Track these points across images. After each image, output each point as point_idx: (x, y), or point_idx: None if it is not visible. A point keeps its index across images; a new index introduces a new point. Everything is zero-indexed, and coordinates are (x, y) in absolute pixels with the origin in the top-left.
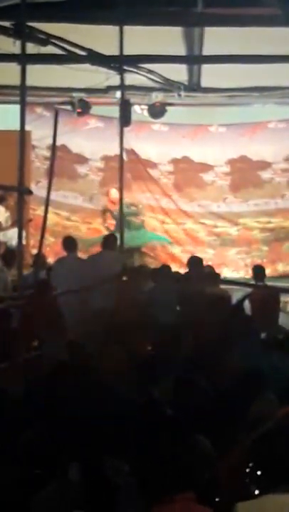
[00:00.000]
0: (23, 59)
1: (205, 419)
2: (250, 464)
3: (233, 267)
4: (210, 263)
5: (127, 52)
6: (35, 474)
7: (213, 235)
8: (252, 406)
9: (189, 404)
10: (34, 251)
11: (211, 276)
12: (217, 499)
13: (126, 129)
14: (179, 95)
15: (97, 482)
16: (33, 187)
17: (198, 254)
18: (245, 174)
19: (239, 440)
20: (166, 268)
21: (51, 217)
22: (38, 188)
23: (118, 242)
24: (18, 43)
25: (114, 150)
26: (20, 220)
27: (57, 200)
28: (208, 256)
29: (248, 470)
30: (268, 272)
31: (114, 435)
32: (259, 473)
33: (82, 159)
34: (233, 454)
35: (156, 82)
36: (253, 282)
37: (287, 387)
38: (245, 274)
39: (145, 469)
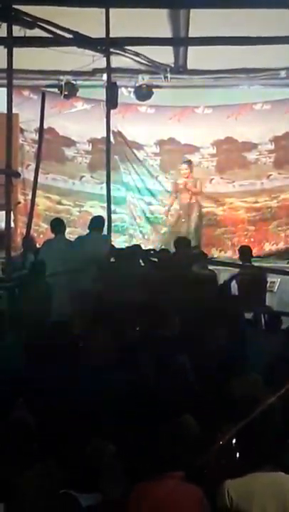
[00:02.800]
0: (10, 42)
1: (190, 398)
2: (238, 443)
3: (221, 247)
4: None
5: (113, 34)
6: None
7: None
8: (236, 385)
9: (175, 383)
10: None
11: (198, 256)
12: (205, 477)
13: (113, 112)
14: (166, 77)
15: (81, 461)
16: (23, 170)
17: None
18: (231, 155)
19: (225, 419)
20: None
21: (43, 202)
22: (28, 172)
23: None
24: (4, 25)
25: (101, 132)
26: (8, 203)
27: (47, 184)
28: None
29: (235, 449)
30: (255, 251)
31: (100, 415)
32: (246, 451)
33: (69, 142)
34: (220, 434)
35: (142, 64)
36: (240, 262)
37: (273, 367)
38: (232, 254)
39: (131, 449)
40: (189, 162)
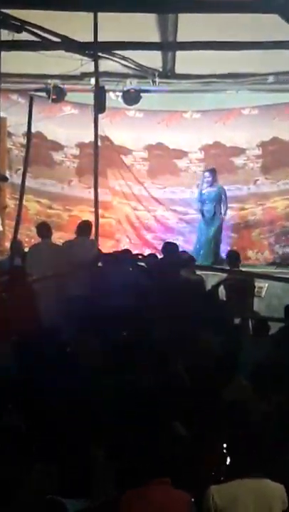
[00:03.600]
0: None
1: (179, 404)
2: (224, 450)
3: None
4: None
5: (101, 38)
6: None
7: (183, 222)
8: (225, 391)
9: (164, 389)
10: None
11: (186, 262)
12: (192, 482)
13: (101, 116)
14: (154, 82)
15: (71, 466)
16: (12, 175)
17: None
18: (219, 160)
19: (213, 425)
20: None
21: (33, 206)
22: (17, 176)
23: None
24: None
25: (89, 137)
26: None
27: (37, 188)
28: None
29: (222, 455)
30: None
31: (90, 421)
32: (232, 459)
33: (57, 146)
34: (207, 440)
35: (130, 68)
36: (227, 268)
37: (261, 372)
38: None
39: (121, 454)
40: (212, 170)
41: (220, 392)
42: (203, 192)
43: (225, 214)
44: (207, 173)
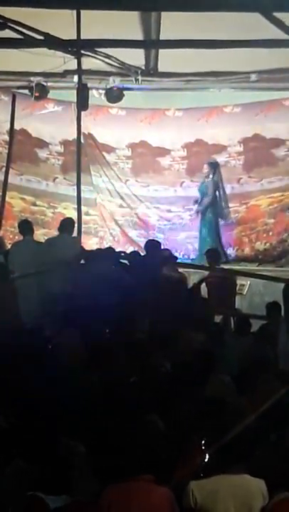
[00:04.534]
0: None
1: (160, 400)
2: (205, 445)
3: (183, 252)
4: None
5: (84, 36)
6: None
7: (164, 220)
8: (206, 387)
9: (144, 385)
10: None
11: (168, 259)
12: (172, 478)
13: (84, 113)
14: (137, 80)
15: (52, 462)
16: None
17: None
18: (201, 158)
19: (193, 420)
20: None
21: (17, 203)
22: (2, 173)
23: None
24: None
25: (73, 134)
26: None
27: (22, 185)
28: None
29: (202, 451)
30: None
31: (70, 416)
32: (212, 454)
33: (42, 143)
34: (188, 436)
35: (113, 66)
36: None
37: (243, 369)
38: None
39: (101, 450)
40: (211, 164)
41: (200, 389)
42: (201, 184)
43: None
44: (205, 165)
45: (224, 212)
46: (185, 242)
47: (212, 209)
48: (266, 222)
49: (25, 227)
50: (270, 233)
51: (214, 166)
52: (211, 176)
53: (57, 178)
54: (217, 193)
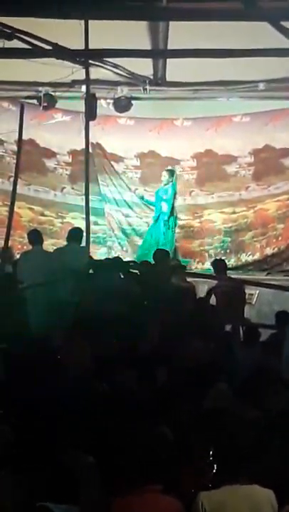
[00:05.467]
0: None
1: (166, 410)
2: (213, 457)
3: (198, 258)
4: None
5: (92, 46)
6: None
7: (176, 228)
8: (214, 397)
9: (151, 396)
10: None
11: (176, 268)
12: (181, 489)
13: (92, 123)
14: (145, 89)
15: (59, 473)
16: (5, 182)
17: (161, 247)
18: (211, 168)
19: (199, 431)
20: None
21: (26, 213)
22: (10, 184)
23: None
24: None
25: (81, 144)
26: None
27: (29, 195)
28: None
29: (210, 462)
30: (232, 262)
31: (78, 427)
32: (221, 465)
33: (49, 153)
34: (195, 447)
35: (121, 76)
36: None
37: (251, 378)
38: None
39: (109, 460)
40: (170, 171)
41: (209, 398)
42: (160, 189)
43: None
44: (164, 172)
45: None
46: (200, 250)
47: (170, 216)
48: (276, 228)
49: (35, 236)
50: (280, 238)
51: (173, 174)
52: (170, 183)
53: (65, 188)
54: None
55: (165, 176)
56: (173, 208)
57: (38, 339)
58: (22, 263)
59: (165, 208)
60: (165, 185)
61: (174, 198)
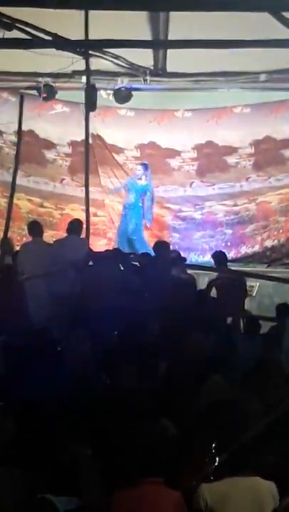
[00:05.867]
0: None
1: (166, 402)
2: (215, 449)
3: (199, 251)
4: (176, 247)
5: (92, 36)
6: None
7: (178, 220)
8: (215, 389)
9: (152, 387)
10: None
11: (177, 260)
12: (182, 481)
13: (92, 114)
14: (145, 80)
15: (59, 466)
16: (4, 173)
17: (165, 239)
18: (212, 159)
19: (200, 424)
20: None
21: (25, 205)
22: (9, 175)
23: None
24: None
25: (81, 135)
26: None
27: (29, 186)
28: (174, 240)
29: (212, 454)
30: (232, 254)
31: (78, 419)
32: (224, 457)
33: (49, 144)
34: (197, 438)
35: (121, 66)
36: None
37: (252, 371)
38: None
39: (110, 453)
40: (145, 165)
41: (210, 391)
42: (131, 182)
43: (149, 216)
44: (139, 167)
45: (148, 214)
46: (201, 242)
47: (139, 209)
48: (278, 220)
49: (35, 228)
50: (281, 231)
51: (147, 168)
52: (144, 177)
53: (64, 179)
54: (148, 193)
55: (140, 169)
56: (139, 198)
57: (37, 330)
58: (22, 254)
59: (133, 198)
60: (139, 179)
61: (144, 191)
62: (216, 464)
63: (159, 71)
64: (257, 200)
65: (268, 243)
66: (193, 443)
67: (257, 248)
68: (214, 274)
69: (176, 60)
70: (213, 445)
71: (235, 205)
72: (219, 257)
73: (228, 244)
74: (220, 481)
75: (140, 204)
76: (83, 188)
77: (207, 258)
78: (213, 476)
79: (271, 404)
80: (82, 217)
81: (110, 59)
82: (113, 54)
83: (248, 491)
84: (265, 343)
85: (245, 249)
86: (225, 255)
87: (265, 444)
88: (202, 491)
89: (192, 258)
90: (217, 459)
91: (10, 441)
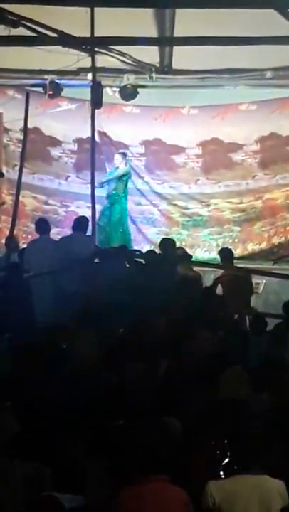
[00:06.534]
0: None
1: (175, 401)
2: (224, 446)
3: (206, 248)
4: (184, 244)
5: (98, 33)
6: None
7: (186, 216)
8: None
9: (161, 386)
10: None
11: (183, 257)
12: (190, 479)
13: (97, 111)
14: (151, 77)
15: (66, 464)
16: (9, 171)
17: (174, 236)
18: (217, 156)
19: (210, 422)
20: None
21: (30, 202)
22: (15, 172)
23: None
24: None
25: (87, 132)
26: None
27: (34, 184)
28: (182, 237)
29: (220, 451)
30: (239, 251)
31: (86, 418)
32: (231, 455)
33: (55, 142)
34: (205, 437)
35: (127, 64)
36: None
37: (258, 368)
38: (216, 255)
39: (116, 451)
40: (123, 153)
41: (213, 388)
42: (111, 172)
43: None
44: (117, 155)
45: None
46: (208, 239)
47: (125, 200)
48: (285, 217)
49: (42, 225)
50: (288, 228)
51: (125, 156)
52: (123, 165)
53: (69, 176)
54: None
55: (118, 158)
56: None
57: (43, 328)
58: (29, 252)
59: (112, 188)
60: (117, 167)
61: (120, 179)
62: (226, 460)
63: (164, 68)
64: (263, 197)
65: (275, 240)
66: (204, 438)
67: (264, 245)
68: (220, 271)
69: (182, 57)
70: (222, 442)
71: (241, 202)
72: (225, 253)
73: (236, 241)
74: (228, 479)
75: (123, 194)
76: (88, 185)
77: (214, 255)
78: (223, 472)
79: (279, 402)
80: (88, 214)
81: (116, 56)
82: (119, 51)
83: (256, 490)
84: (271, 340)
85: (252, 246)
86: (231, 252)
87: (274, 442)
88: (210, 488)
89: (199, 255)
90: (227, 455)
91: (15, 439)
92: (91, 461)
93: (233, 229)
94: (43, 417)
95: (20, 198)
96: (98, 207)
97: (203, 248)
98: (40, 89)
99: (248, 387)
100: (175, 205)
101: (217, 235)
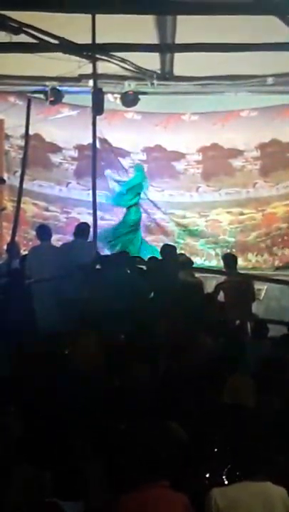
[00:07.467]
0: None
1: (177, 405)
2: (227, 453)
3: (205, 257)
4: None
5: (99, 40)
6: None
7: (181, 226)
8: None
9: (162, 391)
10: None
11: (185, 264)
12: (193, 485)
13: (99, 118)
14: (152, 84)
15: (66, 469)
16: (10, 177)
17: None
18: (217, 162)
19: (212, 427)
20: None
21: (30, 209)
22: (15, 178)
23: None
24: None
25: (87, 139)
26: None
27: (34, 190)
28: (178, 245)
29: (223, 457)
30: (239, 261)
31: (89, 422)
32: (234, 461)
33: (55, 148)
34: (209, 443)
35: (128, 70)
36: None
37: (260, 373)
38: (217, 263)
39: (117, 455)
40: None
41: (215, 393)
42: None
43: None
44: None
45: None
46: (205, 248)
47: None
48: (280, 227)
49: (44, 232)
50: (285, 238)
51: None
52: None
53: (70, 183)
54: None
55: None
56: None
57: (45, 334)
58: (31, 258)
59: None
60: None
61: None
62: (229, 467)
63: (166, 75)
64: (265, 211)
65: (277, 251)
66: (207, 444)
67: (266, 256)
68: (222, 278)
69: (183, 63)
70: (224, 448)
71: (242, 213)
72: (229, 259)
73: (233, 250)
74: (231, 486)
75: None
76: (89, 192)
77: (214, 263)
78: (226, 478)
79: (283, 407)
80: (89, 220)
81: (117, 63)
82: (120, 58)
83: (259, 496)
84: (273, 345)
85: (251, 257)
86: (235, 258)
87: (278, 448)
88: (213, 495)
89: (198, 263)
90: (228, 462)
91: (19, 444)
92: (91, 464)
93: (228, 240)
94: (43, 420)
95: (21, 205)
96: (99, 213)
97: (202, 257)
98: (41, 96)
99: (255, 394)
100: (172, 213)
101: (214, 245)
